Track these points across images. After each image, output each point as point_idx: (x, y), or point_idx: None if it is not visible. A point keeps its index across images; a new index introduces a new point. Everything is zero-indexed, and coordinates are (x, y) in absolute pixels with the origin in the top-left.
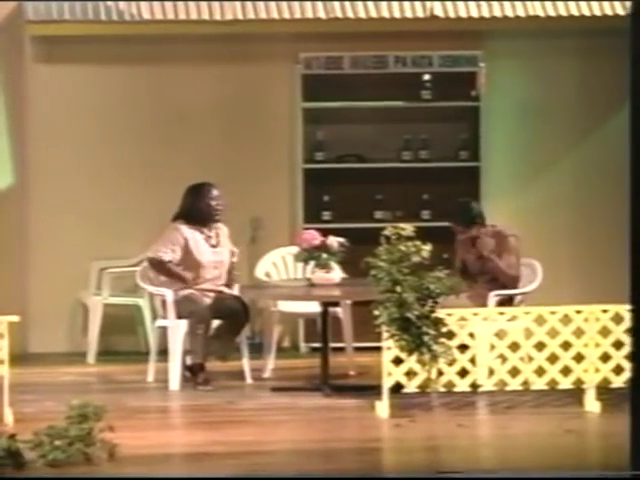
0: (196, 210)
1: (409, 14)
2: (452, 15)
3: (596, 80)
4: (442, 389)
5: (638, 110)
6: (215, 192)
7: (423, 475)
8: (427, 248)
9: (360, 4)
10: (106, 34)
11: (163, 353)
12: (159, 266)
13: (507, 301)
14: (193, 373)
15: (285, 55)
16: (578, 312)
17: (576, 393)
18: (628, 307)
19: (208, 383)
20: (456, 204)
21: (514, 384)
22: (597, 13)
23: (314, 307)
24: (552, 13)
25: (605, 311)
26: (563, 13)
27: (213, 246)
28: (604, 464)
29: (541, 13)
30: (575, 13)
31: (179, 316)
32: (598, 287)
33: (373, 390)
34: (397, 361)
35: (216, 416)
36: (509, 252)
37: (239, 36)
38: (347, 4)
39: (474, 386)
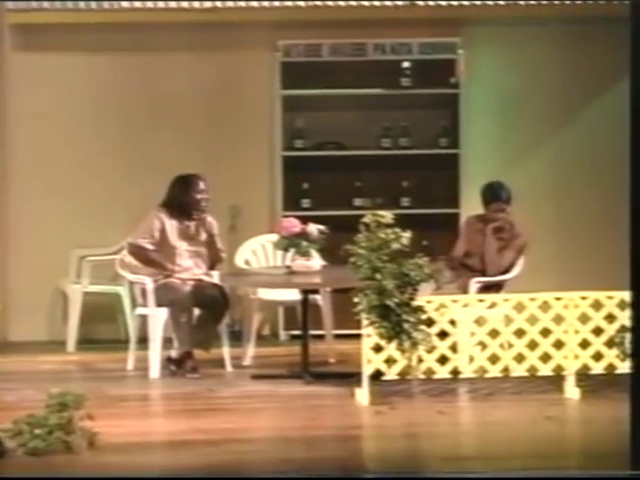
0: (179, 202)
1: (388, 2)
2: (431, 2)
3: (576, 67)
4: (422, 376)
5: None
6: (201, 185)
7: (423, 475)
8: (407, 235)
9: None
10: (85, 22)
11: (143, 341)
12: (138, 253)
13: (494, 290)
14: (179, 363)
15: (264, 43)
16: (557, 299)
17: (556, 380)
18: (608, 294)
19: (196, 371)
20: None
21: (494, 371)
22: (577, 0)
23: (294, 295)
24: (531, 0)
25: (584, 298)
26: (542, 0)
27: (191, 237)
28: (584, 450)
29: (520, 0)
30: (555, 0)
31: (159, 304)
32: (579, 274)
33: (353, 377)
34: (377, 348)
35: (196, 404)
36: (513, 250)
37: (218, 24)
38: None
39: (454, 373)
